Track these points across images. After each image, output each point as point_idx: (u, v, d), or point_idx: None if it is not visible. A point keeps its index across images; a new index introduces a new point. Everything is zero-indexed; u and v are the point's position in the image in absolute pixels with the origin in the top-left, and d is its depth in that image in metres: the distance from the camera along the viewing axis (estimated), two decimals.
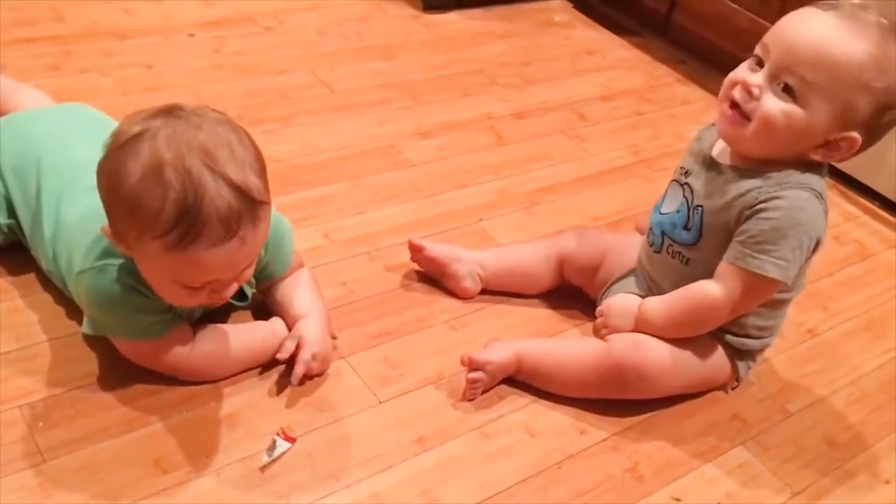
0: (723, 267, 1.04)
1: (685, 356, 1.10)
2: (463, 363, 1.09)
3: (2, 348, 1.04)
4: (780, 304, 1.11)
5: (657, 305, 1.10)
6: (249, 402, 1.04)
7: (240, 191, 0.87)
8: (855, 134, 0.99)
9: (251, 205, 0.88)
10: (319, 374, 1.08)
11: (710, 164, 1.08)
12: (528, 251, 1.28)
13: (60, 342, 1.07)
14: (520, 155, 1.63)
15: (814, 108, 0.97)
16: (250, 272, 0.98)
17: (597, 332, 1.16)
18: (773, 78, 0.99)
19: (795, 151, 1.01)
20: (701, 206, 1.07)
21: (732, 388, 1.17)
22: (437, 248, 1.26)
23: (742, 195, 1.03)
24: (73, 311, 1.10)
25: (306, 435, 1.01)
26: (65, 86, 1.55)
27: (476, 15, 2.12)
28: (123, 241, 0.91)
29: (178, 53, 1.72)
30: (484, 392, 1.10)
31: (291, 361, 1.05)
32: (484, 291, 1.27)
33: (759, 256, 1.01)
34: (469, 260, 1.25)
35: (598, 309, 1.16)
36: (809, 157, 1.02)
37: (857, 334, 1.33)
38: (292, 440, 1.00)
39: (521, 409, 1.10)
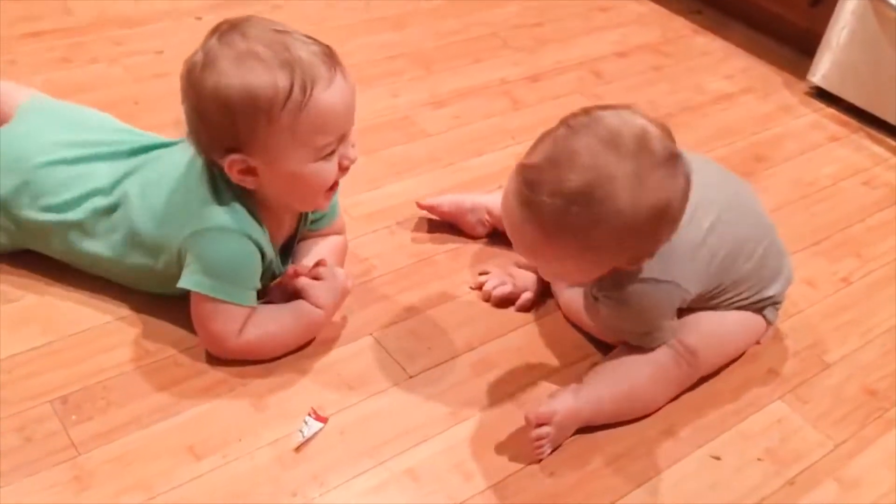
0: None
1: (727, 331, 1.08)
2: (528, 422, 0.97)
3: (29, 343, 1.04)
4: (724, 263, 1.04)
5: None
6: (278, 383, 1.04)
7: (314, 40, 0.97)
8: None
9: (328, 47, 0.97)
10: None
11: None
12: None
13: (87, 334, 1.07)
14: (536, 118, 1.60)
15: (572, 267, 0.96)
16: (356, 149, 1.03)
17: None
18: None
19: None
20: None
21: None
22: (445, 204, 1.28)
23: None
24: (99, 303, 1.10)
25: (338, 413, 1.01)
26: (76, 78, 1.54)
27: None
28: (254, 147, 0.95)
29: (187, 37, 1.68)
30: (553, 450, 0.99)
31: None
32: (496, 233, 1.27)
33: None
34: (478, 207, 1.27)
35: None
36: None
37: (890, 280, 1.30)
38: (324, 420, 0.99)
39: (554, 375, 1.09)
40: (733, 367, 1.12)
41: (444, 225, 1.30)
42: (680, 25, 1.97)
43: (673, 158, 0.90)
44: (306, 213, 1.12)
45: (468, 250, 1.27)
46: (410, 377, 1.07)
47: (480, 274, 1.21)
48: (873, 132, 1.64)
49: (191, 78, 0.95)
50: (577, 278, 1.04)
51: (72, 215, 1.06)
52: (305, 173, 0.98)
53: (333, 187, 1.04)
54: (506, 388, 1.07)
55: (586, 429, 1.02)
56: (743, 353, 1.14)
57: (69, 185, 1.07)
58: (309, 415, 0.99)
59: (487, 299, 1.18)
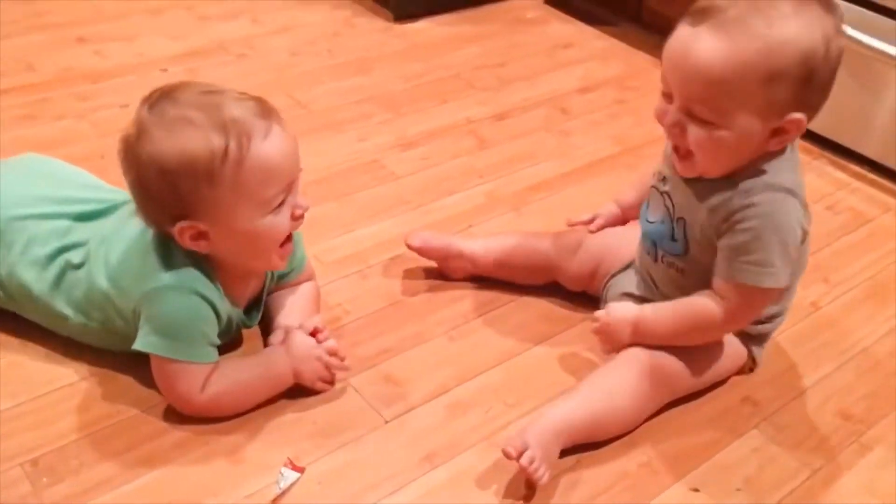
0: (717, 284, 1.02)
1: (704, 352, 1.08)
2: (508, 456, 0.96)
3: None
4: (787, 287, 1.08)
5: (655, 317, 1.05)
6: (252, 436, 1.03)
7: (246, 94, 0.97)
8: (795, 115, 0.95)
9: (262, 99, 0.97)
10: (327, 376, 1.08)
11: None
12: (525, 254, 1.26)
13: (57, 395, 1.06)
14: (504, 156, 1.62)
15: (736, 124, 0.94)
16: (304, 200, 1.02)
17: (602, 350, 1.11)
18: (684, 111, 0.96)
19: (751, 155, 0.99)
20: (683, 217, 1.05)
21: (751, 369, 1.16)
22: (434, 249, 1.27)
23: (716, 207, 1.00)
24: (68, 362, 1.09)
25: (314, 462, 1.00)
26: (42, 134, 1.54)
27: (447, 20, 2.11)
28: (200, 210, 0.95)
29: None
30: (547, 469, 0.97)
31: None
32: (474, 278, 1.28)
33: (748, 269, 0.99)
34: (467, 255, 1.26)
35: (596, 314, 1.09)
36: (767, 151, 0.99)
37: (860, 303, 1.32)
38: (301, 469, 0.98)
39: (530, 413, 1.08)
40: (709, 397, 1.12)
41: (416, 265, 1.31)
42: (642, 60, 2.01)
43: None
44: (272, 272, 1.12)
45: (441, 293, 1.27)
46: (386, 422, 1.06)
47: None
48: (835, 158, 1.67)
49: (127, 152, 0.95)
50: (736, 147, 0.96)
51: (40, 271, 1.05)
52: (257, 229, 0.98)
53: (286, 243, 1.03)
54: (482, 430, 1.06)
55: (567, 467, 1.02)
56: (723, 382, 1.14)
57: (39, 241, 1.06)
58: (285, 465, 0.98)
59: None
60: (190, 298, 0.99)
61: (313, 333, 1.07)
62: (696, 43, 0.92)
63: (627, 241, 1.18)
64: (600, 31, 2.12)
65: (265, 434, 1.03)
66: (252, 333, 1.16)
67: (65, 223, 1.08)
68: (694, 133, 0.96)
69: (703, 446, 1.06)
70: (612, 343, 1.07)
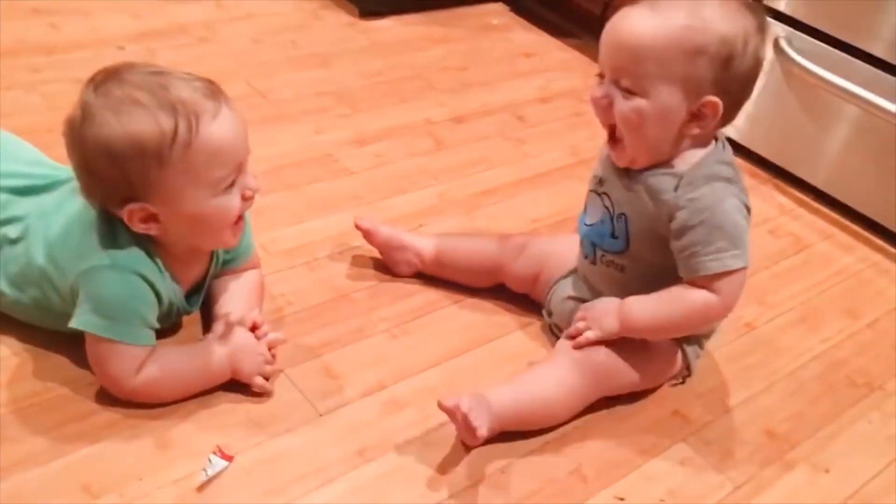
0: (693, 282, 1.04)
1: (640, 352, 1.10)
2: (444, 408, 0.99)
3: None
4: None
5: (642, 308, 1.07)
6: (183, 421, 1.02)
7: (193, 75, 0.95)
8: (712, 98, 1.00)
9: (209, 81, 0.96)
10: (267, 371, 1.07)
11: (622, 170, 1.08)
12: (469, 254, 1.28)
13: None
14: (459, 159, 1.62)
15: (656, 95, 0.99)
16: (253, 180, 1.01)
17: (572, 336, 1.11)
18: (614, 84, 1.01)
19: (673, 139, 1.03)
20: (623, 213, 1.08)
21: (683, 380, 1.18)
22: (381, 234, 1.28)
23: (662, 200, 1.04)
24: None
25: (244, 452, 0.99)
26: None
27: (413, 20, 2.12)
28: (149, 192, 0.94)
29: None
30: (484, 423, 1.00)
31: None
32: (420, 275, 1.29)
33: (711, 259, 1.02)
34: (409, 248, 1.27)
35: (578, 315, 1.11)
36: (689, 136, 1.03)
37: (793, 326, 1.35)
38: (229, 458, 0.98)
39: None
40: (640, 408, 1.14)
41: (364, 261, 1.31)
42: None
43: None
44: (218, 252, 1.11)
45: (386, 288, 1.28)
46: (321, 415, 1.06)
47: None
48: (781, 184, 1.71)
49: (72, 134, 0.94)
50: (658, 122, 1.01)
51: None
52: (208, 210, 0.97)
53: (239, 221, 1.03)
54: (416, 428, 1.06)
55: (497, 470, 1.03)
56: (654, 388, 1.16)
57: None
58: (214, 453, 0.97)
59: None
60: (130, 278, 0.98)
61: (253, 328, 1.07)
62: (627, 17, 1.00)
63: (570, 248, 1.20)
64: (563, 42, 2.14)
65: (196, 420, 1.02)
66: (191, 319, 1.15)
67: (3, 197, 1.06)
68: (619, 105, 1.01)
69: (632, 456, 1.08)
70: (601, 330, 1.08)
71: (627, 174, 1.08)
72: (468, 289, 1.28)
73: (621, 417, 1.13)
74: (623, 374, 1.10)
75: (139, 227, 0.97)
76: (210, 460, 0.96)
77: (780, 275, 1.46)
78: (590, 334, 1.08)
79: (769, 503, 1.05)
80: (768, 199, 1.67)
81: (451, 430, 1.06)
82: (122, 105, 0.91)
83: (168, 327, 1.09)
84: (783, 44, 1.63)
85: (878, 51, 1.51)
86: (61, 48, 1.72)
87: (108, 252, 0.97)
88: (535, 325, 1.25)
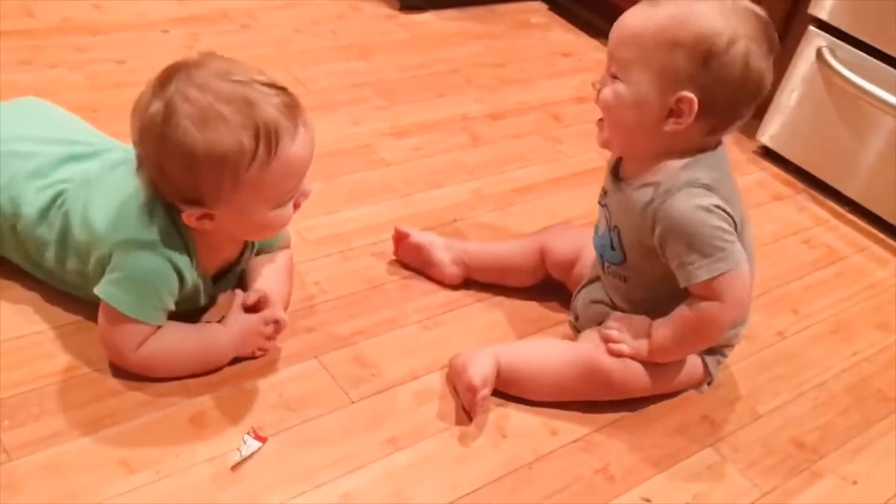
0: (692, 291, 1.04)
1: (658, 366, 1.10)
2: (471, 391, 1.04)
3: None
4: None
5: (666, 332, 1.07)
6: (218, 401, 1.03)
7: (273, 86, 0.95)
8: (687, 93, 0.99)
9: (287, 92, 0.96)
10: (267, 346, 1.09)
11: (615, 181, 1.10)
12: (512, 243, 1.29)
13: (26, 340, 1.06)
14: (495, 156, 1.63)
15: (634, 80, 1.00)
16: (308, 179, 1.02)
17: (602, 338, 1.11)
18: (607, 71, 1.04)
19: (650, 132, 1.02)
20: (617, 226, 1.10)
21: (708, 384, 1.18)
22: (422, 235, 1.28)
23: (643, 211, 1.04)
24: (39, 308, 1.09)
25: (277, 434, 1.01)
26: (34, 80, 1.53)
27: (452, 15, 2.12)
28: (218, 203, 0.95)
29: (150, 50, 1.70)
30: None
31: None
32: (468, 281, 1.28)
33: (699, 267, 1.01)
34: (454, 247, 1.27)
35: (615, 318, 1.12)
36: (665, 133, 1.01)
37: (824, 338, 1.35)
38: (263, 439, 0.99)
39: (493, 410, 1.10)
40: (669, 412, 1.15)
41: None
42: None
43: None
44: (253, 243, 1.12)
45: (420, 282, 1.28)
46: (352, 402, 1.07)
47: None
48: (816, 194, 1.70)
49: (149, 129, 0.93)
50: (632, 108, 1.01)
51: (23, 208, 1.05)
52: (266, 221, 1.00)
53: (299, 207, 1.04)
54: (446, 420, 1.07)
55: (524, 465, 1.03)
56: (676, 394, 1.16)
57: (35, 174, 1.06)
58: (248, 433, 0.99)
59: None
60: (161, 262, 0.99)
61: (255, 306, 1.08)
62: (630, 13, 1.02)
63: None
64: (601, 43, 2.14)
65: (232, 401, 1.03)
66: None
67: (47, 162, 1.07)
68: (603, 91, 1.03)
69: (659, 459, 1.08)
70: (630, 348, 1.09)
71: (620, 186, 1.08)
72: (506, 288, 1.29)
73: (650, 420, 1.13)
74: (638, 381, 1.11)
75: (194, 224, 0.98)
76: (244, 440, 0.98)
77: (813, 286, 1.45)
78: (623, 348, 1.09)
79: None
80: (803, 209, 1.66)
81: (480, 422, 1.07)
82: (207, 117, 0.90)
83: (193, 308, 1.10)
84: (825, 53, 1.62)
85: None
86: (106, 29, 1.74)
87: (146, 228, 0.98)
88: (565, 324, 1.25)
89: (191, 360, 1.05)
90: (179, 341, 1.04)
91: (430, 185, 1.51)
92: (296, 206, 1.02)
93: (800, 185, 1.73)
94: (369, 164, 1.53)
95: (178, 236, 1.00)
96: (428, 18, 2.09)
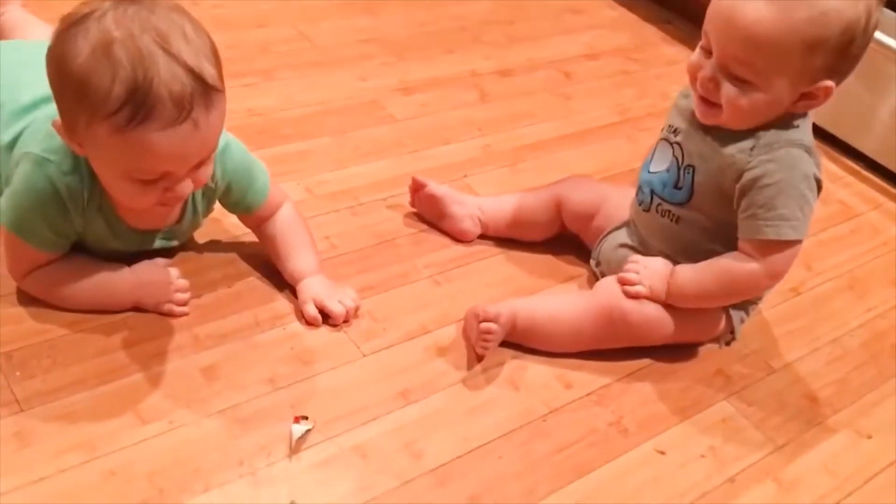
0: (743, 245, 1.04)
1: (673, 307, 1.09)
2: (476, 316, 1.05)
3: None
4: None
5: (690, 276, 1.07)
6: (230, 354, 1.03)
7: (193, 73, 0.85)
8: (827, 82, 0.98)
9: (205, 88, 0.86)
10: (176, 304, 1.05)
11: (700, 124, 1.07)
12: (527, 197, 1.27)
13: None
14: (504, 112, 1.61)
15: (771, 86, 0.97)
16: (206, 172, 0.94)
17: (620, 280, 1.10)
18: (722, 69, 0.99)
19: (777, 115, 1.02)
20: (692, 165, 1.07)
21: (727, 343, 1.17)
22: (439, 187, 1.26)
23: (734, 157, 1.03)
24: None
25: (288, 387, 1.00)
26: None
27: None
28: (74, 132, 0.88)
29: None
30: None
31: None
32: (483, 236, 1.27)
33: (773, 223, 1.01)
34: (469, 203, 1.26)
35: (632, 260, 1.11)
36: (794, 112, 1.02)
37: (839, 293, 1.33)
38: (304, 419, 0.96)
39: (506, 364, 1.09)
40: (682, 366, 1.14)
41: (407, 208, 1.30)
42: (650, 33, 2.00)
43: None
44: (195, 202, 1.06)
45: (430, 235, 1.27)
46: (364, 356, 1.06)
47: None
48: (830, 150, 1.68)
49: (64, 21, 0.86)
50: (767, 107, 0.99)
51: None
52: (114, 184, 0.93)
53: (167, 204, 0.96)
54: (458, 373, 1.07)
55: (538, 417, 1.03)
56: (692, 344, 1.16)
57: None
58: (293, 422, 0.95)
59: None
60: (43, 182, 0.94)
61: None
62: (745, 5, 0.95)
63: (627, 200, 1.19)
64: (613, 0, 2.11)
65: (243, 354, 1.03)
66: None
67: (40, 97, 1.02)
68: (728, 90, 0.99)
69: (674, 412, 1.08)
70: (649, 289, 1.07)
71: (706, 128, 1.06)
72: (520, 242, 1.28)
73: (664, 373, 1.12)
74: (656, 325, 1.09)
75: (65, 139, 0.91)
76: (292, 430, 0.94)
77: (827, 242, 1.44)
78: (640, 289, 1.07)
79: (811, 465, 1.05)
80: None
81: (493, 375, 1.07)
82: (102, 47, 0.83)
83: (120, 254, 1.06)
84: None
85: None
86: None
87: (50, 149, 0.94)
88: (580, 278, 1.24)
89: (85, 298, 1.02)
90: (75, 277, 1.01)
91: (439, 141, 1.49)
92: (167, 191, 0.92)
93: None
94: (377, 121, 1.51)
95: (77, 170, 0.95)
96: None
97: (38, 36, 1.25)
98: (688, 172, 1.07)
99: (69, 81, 0.85)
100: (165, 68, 0.83)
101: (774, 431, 1.08)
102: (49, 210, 0.96)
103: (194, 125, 0.86)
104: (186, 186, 0.92)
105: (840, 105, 1.64)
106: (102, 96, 0.83)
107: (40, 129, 0.96)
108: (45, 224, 0.97)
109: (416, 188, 1.27)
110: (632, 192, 1.19)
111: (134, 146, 0.85)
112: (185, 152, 0.89)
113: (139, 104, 0.83)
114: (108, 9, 0.85)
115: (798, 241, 1.03)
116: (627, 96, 1.74)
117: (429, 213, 1.27)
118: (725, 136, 1.04)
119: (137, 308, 1.05)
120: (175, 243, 1.11)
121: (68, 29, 0.85)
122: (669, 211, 1.10)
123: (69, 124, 0.88)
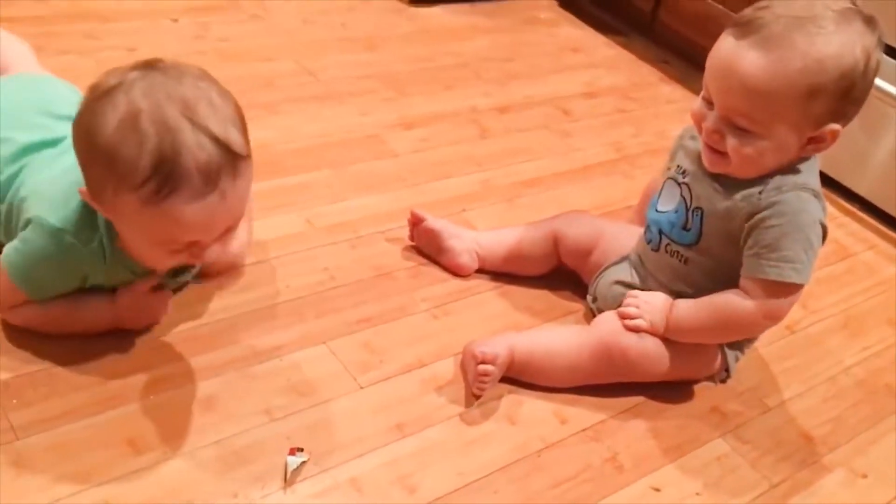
0: (745, 283, 1.04)
1: (671, 343, 1.10)
2: (475, 359, 1.05)
3: None
4: None
5: (689, 311, 1.08)
6: (226, 384, 1.03)
7: (220, 143, 0.85)
8: (833, 126, 0.99)
9: (232, 157, 0.86)
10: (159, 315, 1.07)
11: (707, 172, 1.07)
12: (525, 231, 1.28)
13: None
14: (503, 148, 1.63)
15: (773, 134, 0.99)
16: (232, 236, 0.95)
17: (620, 315, 1.11)
18: (724, 120, 1.00)
19: (787, 160, 1.03)
20: (700, 208, 1.08)
21: (722, 381, 1.18)
22: (437, 221, 1.27)
23: (743, 202, 1.04)
24: None
25: (284, 418, 1.00)
26: (46, 66, 1.52)
27: (461, 9, 2.12)
28: (101, 200, 0.89)
29: (161, 38, 1.70)
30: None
31: None
32: (480, 270, 1.28)
33: (776, 265, 1.01)
34: (466, 237, 1.27)
35: (632, 294, 1.12)
36: (801, 155, 1.03)
37: (834, 332, 1.34)
38: (299, 451, 0.96)
39: (502, 398, 1.09)
40: (678, 403, 1.14)
41: (406, 242, 1.31)
42: (647, 73, 2.03)
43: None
44: None
45: (428, 269, 1.28)
46: (361, 388, 1.07)
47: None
48: (826, 191, 1.66)
49: (93, 92, 0.87)
50: (774, 154, 1.00)
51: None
52: (140, 249, 0.94)
53: (194, 262, 0.99)
54: (454, 407, 1.07)
55: (533, 453, 1.03)
56: (693, 383, 1.16)
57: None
58: (288, 454, 0.95)
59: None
60: (63, 256, 0.95)
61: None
62: (740, 57, 0.96)
63: (626, 234, 1.20)
64: (610, 39, 2.14)
65: (239, 385, 1.03)
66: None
67: (10, 151, 1.05)
68: (732, 142, 1.00)
69: (669, 449, 1.08)
70: (649, 323, 1.08)
71: (715, 176, 1.06)
72: (517, 277, 1.28)
73: (660, 410, 1.12)
74: (654, 360, 1.10)
75: (92, 204, 0.92)
76: (287, 461, 0.94)
77: (823, 281, 1.44)
78: (641, 322, 1.08)
79: None
80: None
81: (489, 409, 1.07)
82: (130, 119, 0.83)
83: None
84: None
85: None
86: (117, 17, 1.74)
87: (64, 216, 0.94)
88: (577, 313, 1.25)
89: (66, 327, 1.02)
90: (55, 311, 1.01)
91: (439, 175, 1.50)
92: (193, 257, 0.93)
93: None
94: (377, 154, 1.52)
95: (92, 227, 0.95)
96: (437, 12, 2.08)
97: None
98: (696, 215, 1.08)
99: (97, 152, 0.86)
100: (192, 140, 0.84)
101: (769, 470, 1.08)
102: (66, 277, 0.98)
103: (221, 195, 0.86)
104: (213, 252, 0.93)
105: (836, 147, 1.66)
106: (130, 167, 0.84)
107: (48, 192, 0.97)
108: (55, 286, 0.99)
109: (415, 222, 1.28)
110: (628, 228, 1.20)
111: (161, 217, 0.86)
112: (212, 222, 0.89)
113: (167, 176, 0.83)
114: (136, 79, 0.85)
115: (800, 286, 1.03)
116: (624, 134, 1.76)
117: (427, 247, 1.28)
118: (733, 182, 1.05)
119: (119, 327, 1.05)
120: (190, 277, 1.12)
121: (98, 99, 0.86)
122: (678, 252, 1.11)
123: (96, 192, 0.89)
